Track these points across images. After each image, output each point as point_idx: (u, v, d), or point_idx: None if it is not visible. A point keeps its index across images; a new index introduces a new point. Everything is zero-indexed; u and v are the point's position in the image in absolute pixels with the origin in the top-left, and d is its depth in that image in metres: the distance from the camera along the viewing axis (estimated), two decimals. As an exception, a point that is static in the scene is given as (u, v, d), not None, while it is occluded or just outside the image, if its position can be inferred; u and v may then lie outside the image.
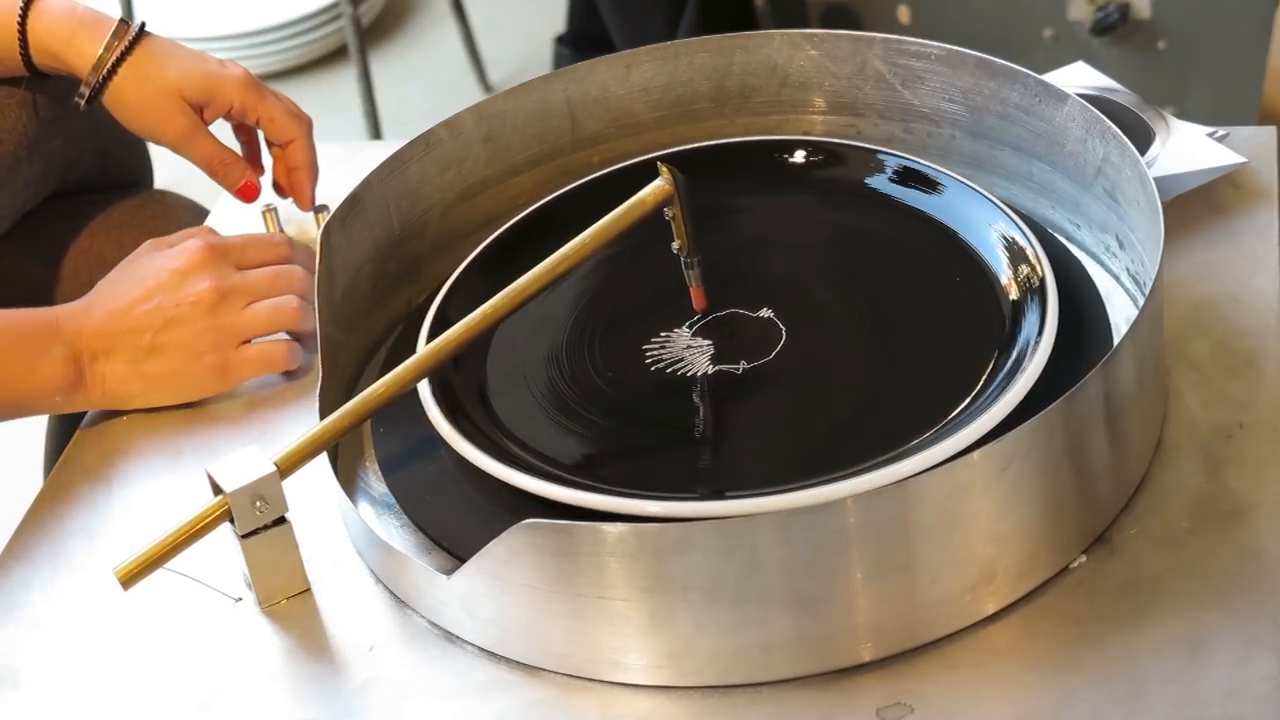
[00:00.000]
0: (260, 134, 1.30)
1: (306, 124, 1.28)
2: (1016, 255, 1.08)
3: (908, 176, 1.16)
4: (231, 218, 1.34)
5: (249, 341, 1.16)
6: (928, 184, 1.15)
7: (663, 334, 1.10)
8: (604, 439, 1.05)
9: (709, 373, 1.07)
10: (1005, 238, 1.10)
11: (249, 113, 1.26)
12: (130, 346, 1.14)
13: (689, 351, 1.08)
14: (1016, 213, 1.11)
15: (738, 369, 1.07)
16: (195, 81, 1.25)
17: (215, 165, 1.28)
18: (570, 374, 1.09)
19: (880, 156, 1.18)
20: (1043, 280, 1.05)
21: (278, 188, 1.30)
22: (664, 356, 1.08)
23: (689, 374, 1.07)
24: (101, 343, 1.14)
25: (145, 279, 1.15)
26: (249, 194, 1.29)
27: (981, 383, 1.01)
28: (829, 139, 1.22)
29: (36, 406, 1.14)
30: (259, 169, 1.31)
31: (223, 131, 1.30)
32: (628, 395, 1.07)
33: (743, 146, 1.22)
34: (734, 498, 0.95)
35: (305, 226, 1.32)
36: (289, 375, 1.18)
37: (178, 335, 1.14)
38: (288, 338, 1.17)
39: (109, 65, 1.24)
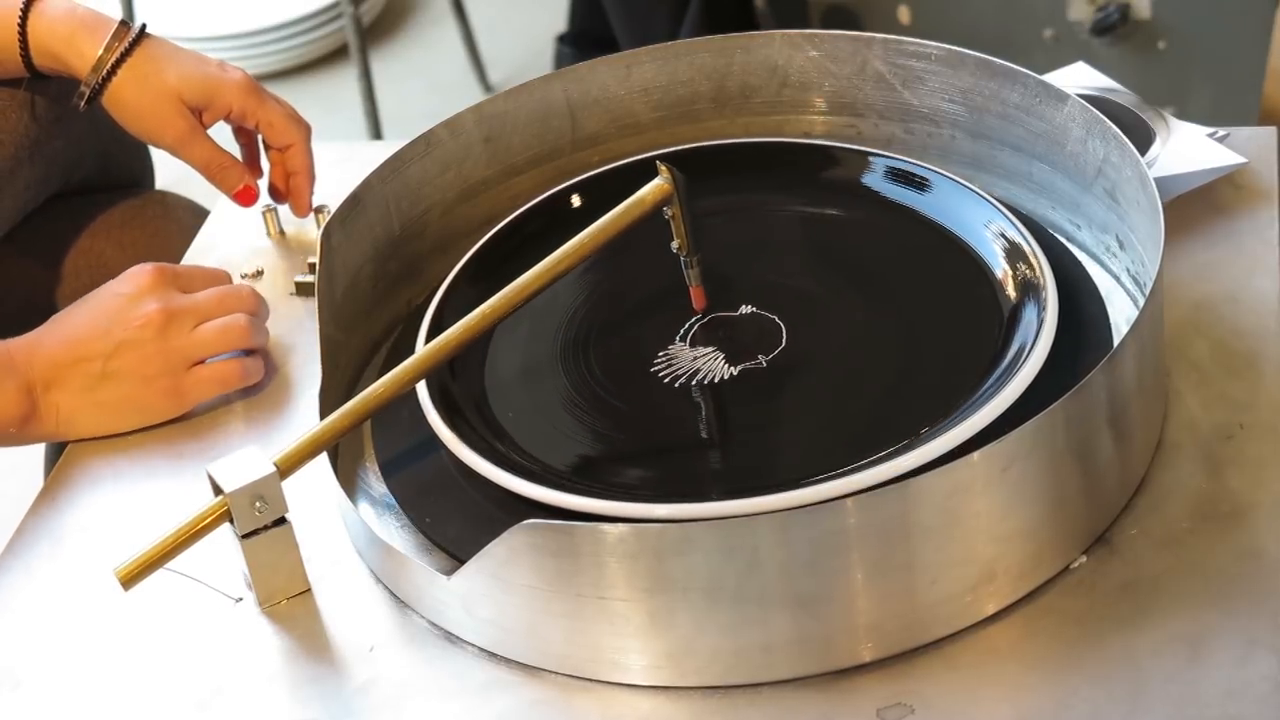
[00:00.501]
0: (259, 138, 1.30)
1: (305, 129, 1.28)
2: (1013, 251, 1.08)
3: (901, 177, 1.16)
4: (232, 219, 1.33)
5: (203, 363, 1.15)
6: (920, 183, 1.15)
7: (663, 354, 1.09)
8: (602, 442, 1.05)
9: (711, 379, 1.07)
10: (1001, 234, 1.10)
11: (248, 116, 1.26)
12: (82, 374, 1.13)
13: (697, 362, 1.08)
14: (1013, 211, 1.11)
15: (736, 370, 1.07)
16: (195, 84, 1.25)
17: (213, 168, 1.28)
18: (570, 375, 1.09)
19: (871, 157, 1.18)
20: (1040, 275, 1.05)
21: (275, 192, 1.30)
22: (679, 371, 1.08)
23: (692, 380, 1.07)
24: (54, 372, 1.12)
25: (94, 308, 1.15)
26: (247, 198, 1.29)
27: (982, 376, 1.01)
28: (816, 140, 1.22)
29: None
30: (258, 172, 1.31)
31: (223, 135, 1.30)
32: (629, 398, 1.07)
33: (733, 149, 1.22)
34: (732, 499, 0.94)
35: (305, 227, 1.32)
36: (250, 390, 1.17)
37: (128, 360, 1.13)
38: (241, 356, 1.17)
39: (108, 66, 1.24)
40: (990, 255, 1.10)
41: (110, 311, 1.14)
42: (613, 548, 0.89)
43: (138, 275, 1.16)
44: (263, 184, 1.31)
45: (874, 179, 1.18)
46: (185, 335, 1.14)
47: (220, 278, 1.20)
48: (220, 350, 1.15)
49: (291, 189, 1.29)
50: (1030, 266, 1.06)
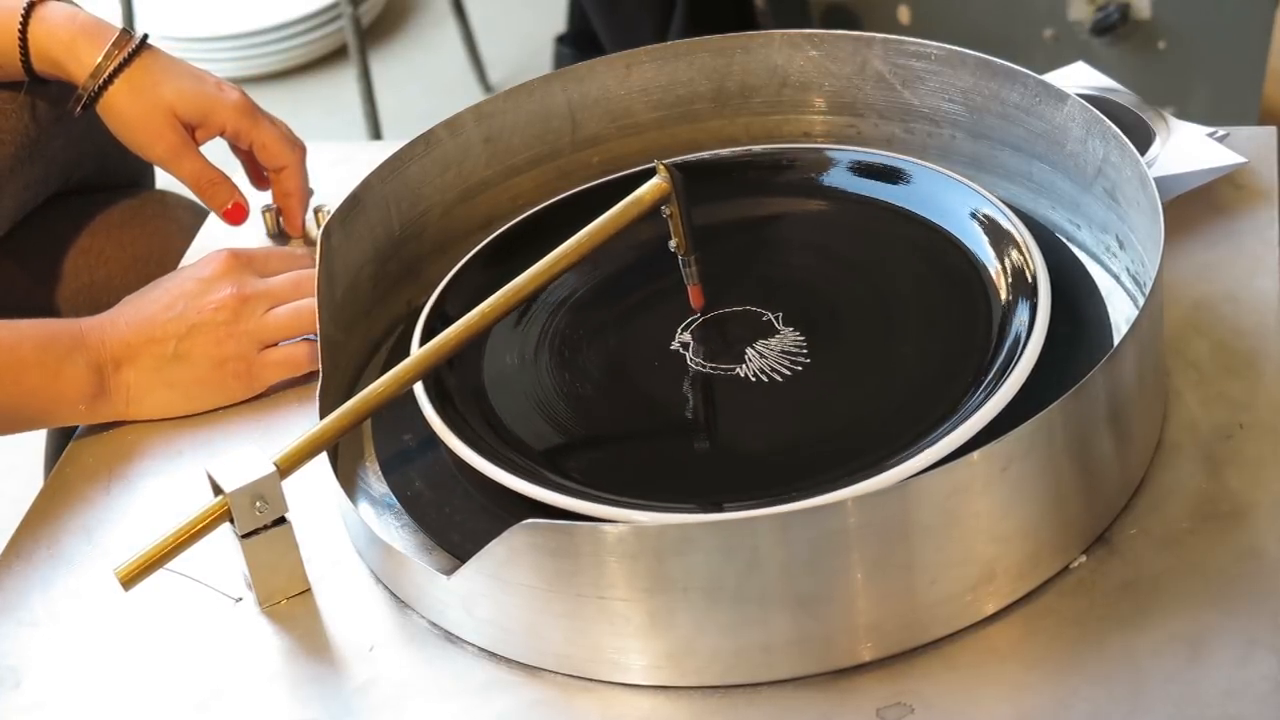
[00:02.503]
0: None
1: (300, 151, 1.28)
2: (999, 236, 1.09)
3: (884, 174, 1.16)
4: (231, 218, 1.34)
5: (274, 346, 1.16)
6: (902, 178, 1.16)
7: (660, 353, 1.09)
8: (601, 440, 1.05)
9: (708, 379, 1.07)
10: (985, 218, 1.10)
11: (242, 137, 1.26)
12: (154, 355, 1.14)
13: (694, 362, 1.08)
14: (1013, 210, 1.11)
15: (733, 371, 1.07)
16: (189, 100, 1.25)
17: (203, 184, 1.27)
18: (568, 373, 1.09)
19: (837, 155, 1.18)
20: (1031, 263, 1.05)
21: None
22: (676, 370, 1.08)
23: (689, 379, 1.07)
24: (125, 351, 1.14)
25: (169, 289, 1.16)
26: (237, 215, 1.28)
27: (981, 370, 1.02)
28: (787, 145, 1.22)
29: (61, 416, 1.14)
30: (260, 185, 1.31)
31: (218, 151, 1.29)
32: (627, 396, 1.07)
33: (717, 160, 1.21)
34: (730, 507, 0.94)
35: (305, 227, 1.32)
36: (314, 376, 1.17)
37: (200, 342, 1.14)
38: (312, 340, 1.17)
39: (106, 74, 1.23)
40: (976, 242, 1.10)
41: (185, 294, 1.15)
42: (613, 548, 0.89)
43: (214, 259, 1.17)
44: (264, 198, 1.31)
45: (849, 177, 1.17)
46: (257, 319, 1.15)
47: (295, 260, 1.21)
48: (291, 334, 1.16)
49: (284, 210, 1.29)
50: (1022, 254, 1.06)
